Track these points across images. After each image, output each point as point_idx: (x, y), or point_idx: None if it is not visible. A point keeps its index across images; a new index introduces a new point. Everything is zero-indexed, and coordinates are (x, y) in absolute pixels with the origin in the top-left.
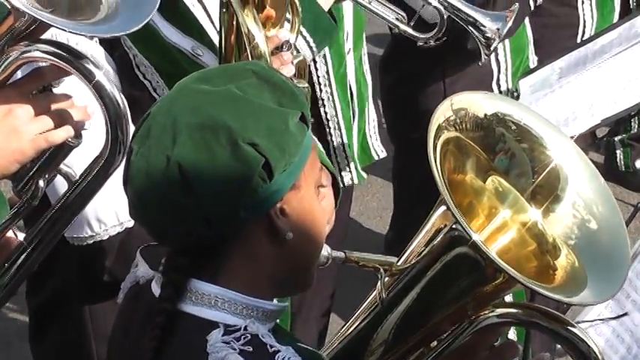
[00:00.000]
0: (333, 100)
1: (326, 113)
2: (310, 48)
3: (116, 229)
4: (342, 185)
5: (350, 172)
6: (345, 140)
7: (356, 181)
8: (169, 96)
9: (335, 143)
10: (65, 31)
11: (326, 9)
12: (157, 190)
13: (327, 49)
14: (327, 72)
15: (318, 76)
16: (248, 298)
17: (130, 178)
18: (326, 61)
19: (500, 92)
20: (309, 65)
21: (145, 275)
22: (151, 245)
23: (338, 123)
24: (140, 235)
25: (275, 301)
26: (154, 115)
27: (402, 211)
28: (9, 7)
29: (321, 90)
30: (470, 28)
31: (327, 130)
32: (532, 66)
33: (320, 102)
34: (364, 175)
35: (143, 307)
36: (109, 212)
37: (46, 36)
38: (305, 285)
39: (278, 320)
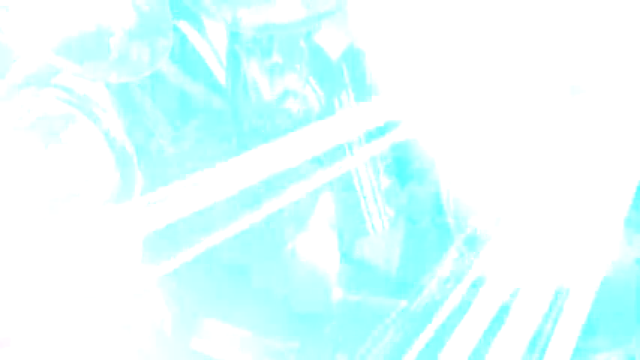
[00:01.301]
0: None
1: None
2: (318, 98)
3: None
4: (376, 232)
5: (381, 218)
6: (376, 184)
7: (387, 225)
8: None
9: (367, 188)
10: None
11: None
12: None
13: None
14: None
15: None
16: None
17: None
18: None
19: None
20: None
21: None
22: None
23: (367, 167)
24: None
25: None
26: None
27: (411, 250)
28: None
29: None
30: None
31: (357, 175)
32: None
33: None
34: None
35: None
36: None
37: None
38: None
39: None
